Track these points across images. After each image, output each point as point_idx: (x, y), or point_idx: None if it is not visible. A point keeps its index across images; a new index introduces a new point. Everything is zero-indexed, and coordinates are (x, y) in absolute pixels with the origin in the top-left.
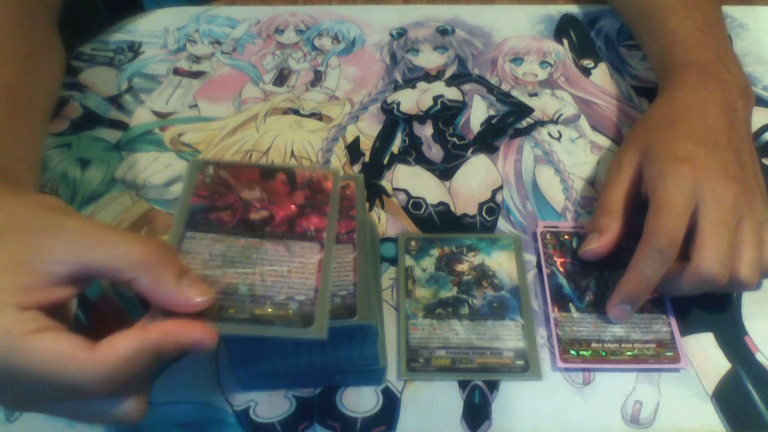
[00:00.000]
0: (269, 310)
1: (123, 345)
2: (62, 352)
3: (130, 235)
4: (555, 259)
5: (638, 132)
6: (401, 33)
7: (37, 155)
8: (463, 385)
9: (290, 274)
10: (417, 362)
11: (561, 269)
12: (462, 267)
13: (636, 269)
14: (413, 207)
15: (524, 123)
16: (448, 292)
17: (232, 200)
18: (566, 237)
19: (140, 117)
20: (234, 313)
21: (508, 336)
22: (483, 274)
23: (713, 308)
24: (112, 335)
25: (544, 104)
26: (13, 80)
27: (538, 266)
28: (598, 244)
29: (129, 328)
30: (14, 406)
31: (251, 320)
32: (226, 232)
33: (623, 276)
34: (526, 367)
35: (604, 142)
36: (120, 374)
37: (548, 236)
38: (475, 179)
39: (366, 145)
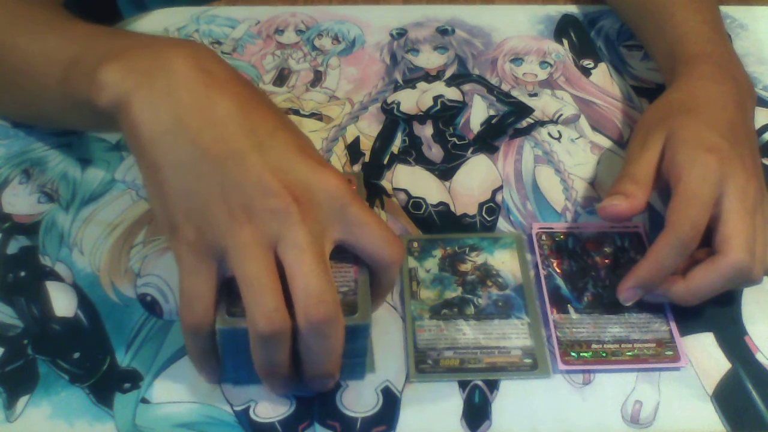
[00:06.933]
0: None
1: None
2: None
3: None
4: (551, 260)
5: (659, 115)
6: (401, 33)
7: None
8: (463, 384)
9: (331, 269)
10: (425, 364)
11: (558, 270)
12: (465, 267)
13: (657, 257)
14: (413, 207)
15: (524, 123)
16: (453, 293)
17: None
18: (561, 237)
19: None
20: None
21: (514, 334)
22: (487, 274)
23: (713, 308)
24: None
25: (544, 104)
26: None
27: (536, 268)
28: (624, 204)
29: None
30: None
31: None
32: None
33: (641, 262)
34: (534, 365)
35: (604, 142)
36: None
37: (543, 237)
38: (475, 179)
39: (366, 145)
